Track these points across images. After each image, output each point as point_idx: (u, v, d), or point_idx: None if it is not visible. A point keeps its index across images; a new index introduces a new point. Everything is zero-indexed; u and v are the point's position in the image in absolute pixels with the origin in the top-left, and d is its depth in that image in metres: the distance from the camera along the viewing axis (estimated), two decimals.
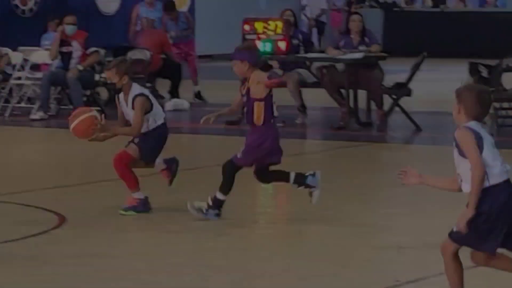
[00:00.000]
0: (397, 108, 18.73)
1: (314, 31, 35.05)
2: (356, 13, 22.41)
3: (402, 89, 18.76)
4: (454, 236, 6.98)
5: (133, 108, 11.24)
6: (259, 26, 19.58)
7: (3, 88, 21.71)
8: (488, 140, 6.94)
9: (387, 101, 18.86)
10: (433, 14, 39.17)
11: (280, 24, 19.35)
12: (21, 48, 22.30)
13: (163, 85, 22.91)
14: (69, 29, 20.69)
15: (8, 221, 11.47)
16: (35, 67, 21.72)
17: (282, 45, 19.27)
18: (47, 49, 21.50)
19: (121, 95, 11.36)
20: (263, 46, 19.03)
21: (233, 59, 11.09)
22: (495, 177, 6.90)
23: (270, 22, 19.71)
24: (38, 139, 20.19)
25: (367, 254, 9.78)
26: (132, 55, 21.60)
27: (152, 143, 11.40)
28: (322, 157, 16.93)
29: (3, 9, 30.62)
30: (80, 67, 20.32)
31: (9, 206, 12.31)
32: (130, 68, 11.85)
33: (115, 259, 9.83)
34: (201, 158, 17.10)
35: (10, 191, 12.97)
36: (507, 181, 6.94)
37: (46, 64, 21.42)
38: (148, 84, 21.14)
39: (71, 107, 20.20)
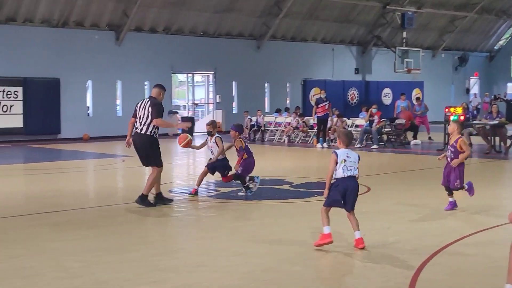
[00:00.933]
0: None
1: (475, 112, 32.76)
2: (495, 104, 21.96)
3: None
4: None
5: (216, 143, 11.03)
6: (452, 109, 19.75)
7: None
8: (341, 158, 7.18)
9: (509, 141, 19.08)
10: None
11: (460, 108, 19.91)
12: (352, 118, 23.67)
13: (410, 134, 22.94)
14: (374, 110, 21.72)
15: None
16: (357, 126, 22.67)
17: (462, 117, 19.11)
18: (362, 119, 22.73)
19: (210, 137, 11.12)
20: (454, 118, 18.43)
21: (230, 129, 11.15)
22: (339, 175, 7.17)
23: (457, 107, 20.14)
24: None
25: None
26: (396, 121, 22.35)
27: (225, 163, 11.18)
28: (480, 165, 16.22)
29: (344, 102, 32.41)
30: (378, 126, 21.32)
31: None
32: (215, 125, 11.31)
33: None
34: (419, 165, 17.34)
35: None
36: (348, 176, 7.19)
37: (362, 125, 22.20)
38: (403, 135, 22.19)
39: (373, 145, 21.38)
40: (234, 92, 31.61)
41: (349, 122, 23.36)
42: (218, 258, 6.84)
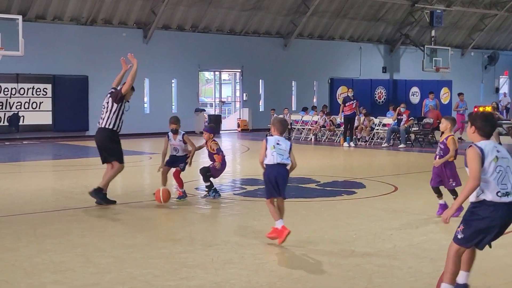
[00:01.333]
0: None
1: (504, 112, 33.66)
2: None
3: None
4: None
5: (183, 141, 10.35)
6: (481, 108, 19.92)
7: (372, 135, 22.67)
8: (271, 144, 7.21)
9: None
10: None
11: (490, 108, 20.41)
12: (379, 116, 23.42)
13: (438, 134, 21.45)
14: (402, 109, 21.68)
15: (369, 190, 12.57)
16: (384, 125, 22.48)
17: None
18: (389, 118, 22.57)
19: (173, 135, 10.37)
20: None
21: (203, 131, 10.50)
22: (269, 161, 7.16)
23: (486, 107, 20.74)
24: (365, 153, 19.37)
25: None
26: (424, 120, 22.13)
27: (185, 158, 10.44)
28: None
29: (371, 101, 32.39)
30: (406, 125, 21.27)
31: (372, 182, 13.31)
32: (179, 122, 10.41)
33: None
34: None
35: (371, 176, 14.04)
36: (277, 164, 7.20)
37: (389, 124, 22.02)
38: (430, 135, 21.88)
39: (401, 144, 21.28)
40: (261, 90, 31.62)
41: (376, 121, 23.27)
42: (245, 256, 6.86)
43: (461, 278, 5.22)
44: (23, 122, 24.48)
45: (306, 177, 13.42)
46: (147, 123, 27.17)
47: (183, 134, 10.47)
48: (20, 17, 21.75)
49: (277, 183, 7.26)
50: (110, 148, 10.02)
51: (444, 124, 9.20)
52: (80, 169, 15.46)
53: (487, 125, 5.01)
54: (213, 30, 29.69)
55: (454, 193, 9.09)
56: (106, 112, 9.97)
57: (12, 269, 6.37)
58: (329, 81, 33.60)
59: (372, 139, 22.80)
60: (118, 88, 10.15)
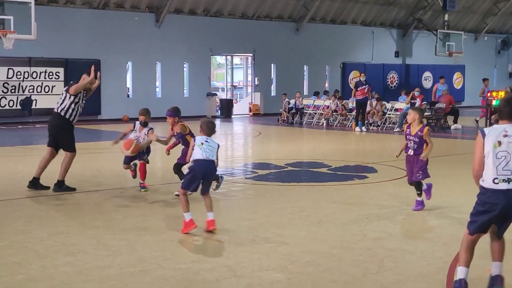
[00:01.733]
0: None
1: None
2: None
3: None
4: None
5: (147, 133, 10.00)
6: (494, 93, 20.29)
7: (383, 119, 22.44)
8: (199, 142, 7.20)
9: None
10: None
11: (502, 92, 20.15)
12: (391, 101, 23.17)
13: (450, 119, 22.56)
14: (416, 93, 21.60)
15: (381, 174, 13.93)
16: (396, 110, 22.32)
17: None
18: (401, 102, 22.36)
19: (140, 126, 10.22)
20: (496, 102, 19.62)
21: (168, 115, 9.63)
22: (198, 157, 7.13)
23: (499, 91, 20.47)
24: (378, 138, 19.16)
25: None
26: (437, 105, 22.18)
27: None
28: None
29: (383, 86, 32.45)
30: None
31: (384, 167, 13.02)
32: (148, 115, 10.26)
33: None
34: (459, 150, 16.57)
35: (383, 160, 13.84)
36: (210, 160, 7.16)
37: (401, 109, 21.73)
38: (443, 119, 21.82)
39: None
40: (273, 75, 31.54)
41: (388, 105, 23.14)
42: (256, 240, 6.84)
43: (493, 270, 5.20)
44: (35, 106, 24.60)
45: (317, 161, 13.41)
46: (158, 107, 26.45)
47: (150, 128, 10.15)
48: (32, 1, 21.71)
49: (203, 179, 7.21)
50: (60, 136, 10.07)
51: (412, 115, 8.52)
52: (92, 153, 15.46)
53: (504, 105, 4.96)
54: (225, 14, 29.60)
55: (418, 188, 8.61)
56: (63, 99, 10.04)
57: (25, 251, 6.39)
58: (341, 66, 33.50)
59: (384, 123, 22.65)
60: (71, 86, 10.24)
